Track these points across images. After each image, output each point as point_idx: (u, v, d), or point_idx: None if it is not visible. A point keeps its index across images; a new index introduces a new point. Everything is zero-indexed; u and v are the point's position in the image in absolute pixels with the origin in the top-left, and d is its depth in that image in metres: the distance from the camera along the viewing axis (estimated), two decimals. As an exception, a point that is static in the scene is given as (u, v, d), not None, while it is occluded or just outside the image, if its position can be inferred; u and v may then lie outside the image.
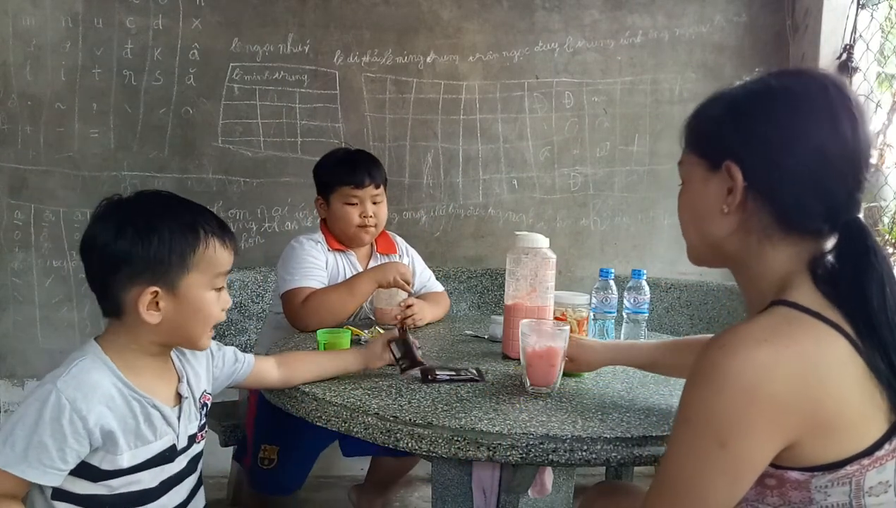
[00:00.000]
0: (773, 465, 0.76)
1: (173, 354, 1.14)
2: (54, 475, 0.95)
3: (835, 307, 0.77)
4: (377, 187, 1.92)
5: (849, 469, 0.74)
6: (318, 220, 2.00)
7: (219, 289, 1.09)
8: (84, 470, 0.99)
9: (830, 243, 0.84)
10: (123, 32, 2.44)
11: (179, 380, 1.12)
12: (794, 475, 0.76)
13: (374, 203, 1.92)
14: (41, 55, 2.41)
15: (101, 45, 2.43)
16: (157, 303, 1.02)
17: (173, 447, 1.08)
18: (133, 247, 1.00)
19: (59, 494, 0.99)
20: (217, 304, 1.09)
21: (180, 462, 1.10)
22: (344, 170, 1.90)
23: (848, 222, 0.82)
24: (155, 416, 1.05)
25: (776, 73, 0.88)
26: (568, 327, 1.25)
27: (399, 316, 1.79)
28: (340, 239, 1.94)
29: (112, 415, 0.99)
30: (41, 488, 0.98)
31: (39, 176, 2.45)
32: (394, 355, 1.32)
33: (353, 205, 1.89)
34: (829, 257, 0.83)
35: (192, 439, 1.12)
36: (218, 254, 1.06)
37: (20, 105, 2.42)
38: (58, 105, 2.43)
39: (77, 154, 2.46)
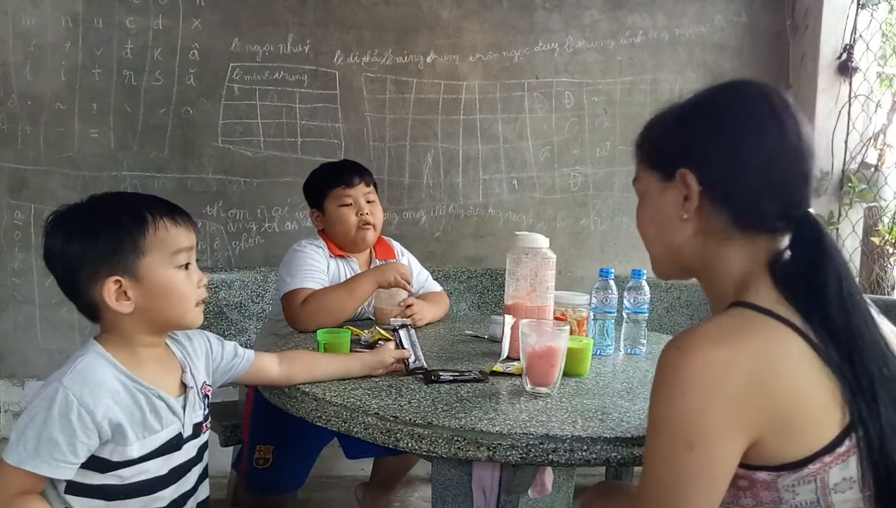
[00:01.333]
0: (743, 466, 0.77)
1: (174, 346, 1.15)
2: (66, 468, 0.98)
3: (790, 304, 0.79)
4: (368, 186, 1.95)
5: (811, 467, 0.76)
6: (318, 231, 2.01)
7: (185, 267, 1.09)
8: (94, 463, 1.01)
9: (786, 241, 0.86)
10: (123, 32, 2.44)
11: (183, 371, 1.14)
12: (763, 475, 0.77)
13: (368, 201, 1.93)
14: (41, 55, 2.41)
15: (101, 45, 2.44)
16: (126, 293, 1.03)
17: (179, 435, 1.09)
18: (84, 247, 1.02)
19: (71, 487, 1.01)
20: (188, 281, 1.09)
21: (189, 451, 1.12)
22: (333, 175, 1.94)
23: (801, 217, 0.84)
24: (160, 406, 1.07)
25: (717, 84, 0.92)
26: (568, 327, 1.24)
27: (399, 317, 1.78)
28: (342, 244, 1.94)
29: (119, 408, 1.01)
30: (54, 483, 1.01)
31: (39, 176, 2.45)
32: (399, 344, 1.37)
33: (347, 205, 1.91)
34: (787, 255, 0.85)
35: (197, 427, 1.14)
36: (171, 233, 1.07)
37: (20, 105, 2.42)
38: (58, 105, 2.43)
39: (77, 154, 2.46)
